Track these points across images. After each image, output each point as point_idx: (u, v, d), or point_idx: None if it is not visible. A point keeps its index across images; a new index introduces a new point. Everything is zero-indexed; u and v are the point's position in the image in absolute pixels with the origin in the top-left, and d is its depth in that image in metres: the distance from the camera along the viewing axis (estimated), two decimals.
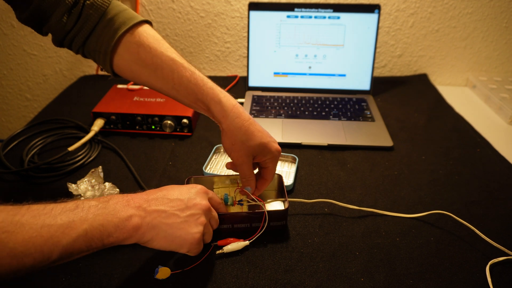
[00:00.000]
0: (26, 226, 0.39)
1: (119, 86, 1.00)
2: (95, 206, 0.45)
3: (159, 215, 0.49)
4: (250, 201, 0.65)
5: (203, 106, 0.60)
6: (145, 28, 0.62)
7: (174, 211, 0.50)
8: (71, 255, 0.42)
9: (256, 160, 0.61)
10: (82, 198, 0.66)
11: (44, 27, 0.61)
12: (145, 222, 0.48)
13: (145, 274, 0.56)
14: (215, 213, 0.57)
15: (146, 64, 0.60)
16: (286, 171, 0.78)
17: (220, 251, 0.59)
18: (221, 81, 1.15)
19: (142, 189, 0.73)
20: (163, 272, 0.55)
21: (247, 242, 0.60)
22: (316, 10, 1.00)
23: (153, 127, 0.88)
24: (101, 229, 0.44)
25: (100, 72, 1.20)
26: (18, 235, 0.38)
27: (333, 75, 1.05)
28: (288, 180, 0.75)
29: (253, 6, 1.00)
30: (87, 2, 0.59)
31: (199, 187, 0.56)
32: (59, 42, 0.62)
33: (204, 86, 0.59)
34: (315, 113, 0.97)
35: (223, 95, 0.59)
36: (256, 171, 0.65)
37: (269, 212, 0.61)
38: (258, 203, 0.64)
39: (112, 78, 0.65)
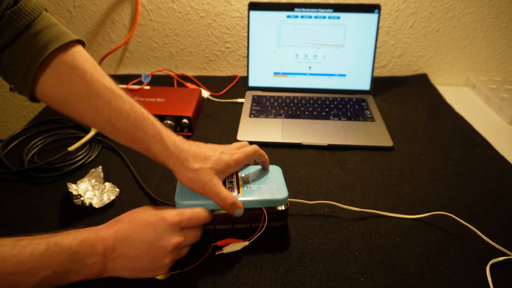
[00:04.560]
0: None
1: (119, 86, 0.99)
2: (65, 251, 0.45)
3: (121, 261, 0.50)
4: None
5: (142, 145, 0.54)
6: (80, 49, 0.55)
7: (137, 255, 0.50)
8: None
9: (224, 177, 0.57)
10: (82, 198, 0.66)
11: None
12: (107, 268, 0.49)
13: None
14: (186, 244, 0.53)
15: (78, 91, 0.53)
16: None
17: (220, 251, 0.59)
18: (221, 81, 1.15)
19: (142, 189, 0.73)
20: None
21: (246, 243, 0.60)
22: (316, 10, 1.00)
23: None
24: (63, 275, 0.46)
25: None
26: None
27: (333, 75, 1.05)
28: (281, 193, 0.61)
29: (253, 6, 1.00)
30: (7, 11, 0.51)
31: (169, 220, 0.50)
32: None
33: (145, 121, 0.53)
34: (315, 113, 0.97)
35: (165, 131, 0.54)
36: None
37: (269, 212, 0.61)
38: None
39: (28, 102, 0.57)
